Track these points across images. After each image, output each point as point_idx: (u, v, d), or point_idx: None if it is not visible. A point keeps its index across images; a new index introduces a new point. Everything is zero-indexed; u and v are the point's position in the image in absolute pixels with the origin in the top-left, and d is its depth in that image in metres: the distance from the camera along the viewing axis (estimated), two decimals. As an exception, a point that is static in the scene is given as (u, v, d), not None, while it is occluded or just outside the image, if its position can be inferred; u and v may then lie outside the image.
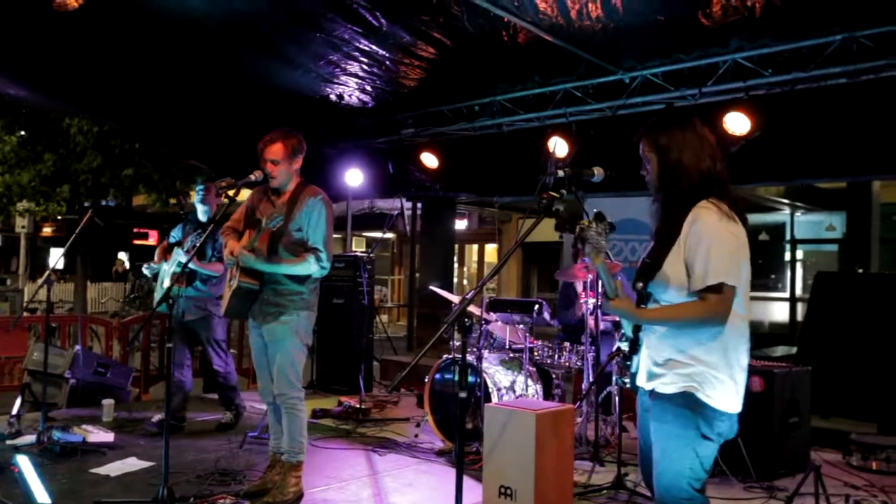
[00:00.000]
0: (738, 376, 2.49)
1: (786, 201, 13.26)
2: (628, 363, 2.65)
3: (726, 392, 2.45)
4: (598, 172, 2.79)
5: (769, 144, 5.91)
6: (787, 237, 14.50)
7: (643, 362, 2.59)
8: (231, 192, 4.03)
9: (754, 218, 14.35)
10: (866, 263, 10.47)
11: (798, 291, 14.06)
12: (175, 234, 5.91)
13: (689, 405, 2.42)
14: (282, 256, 4.06)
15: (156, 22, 5.62)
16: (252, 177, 4.05)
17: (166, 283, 5.65)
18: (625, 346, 2.71)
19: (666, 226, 2.50)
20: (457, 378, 5.38)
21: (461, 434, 2.70)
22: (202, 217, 5.75)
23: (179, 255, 5.50)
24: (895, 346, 6.06)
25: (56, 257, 25.19)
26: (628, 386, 2.75)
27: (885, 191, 11.47)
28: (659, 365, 2.50)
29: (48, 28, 5.60)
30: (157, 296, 5.79)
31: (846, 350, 6.34)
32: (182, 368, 5.77)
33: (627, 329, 2.67)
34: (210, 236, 5.15)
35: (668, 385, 2.46)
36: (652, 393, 2.53)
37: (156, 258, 5.84)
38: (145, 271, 5.90)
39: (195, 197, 5.78)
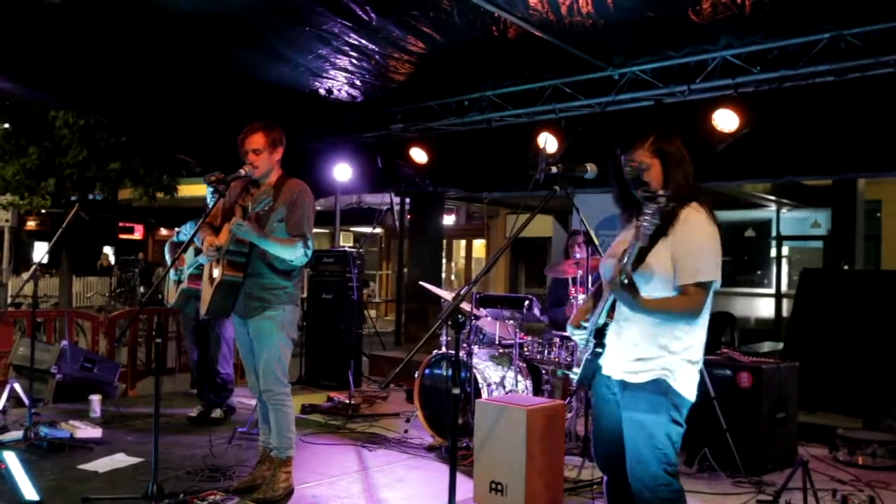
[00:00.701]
0: (698, 367, 2.70)
1: (772, 198, 13.34)
2: (599, 350, 2.76)
3: (691, 381, 2.65)
4: (592, 169, 2.83)
5: (757, 141, 5.94)
6: (773, 234, 14.60)
7: (612, 353, 2.73)
8: (221, 188, 4.02)
9: (740, 214, 14.59)
10: (851, 260, 10.55)
11: (784, 287, 14.17)
12: (186, 232, 5.83)
13: (661, 392, 2.59)
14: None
15: (143, 14, 5.57)
16: (242, 171, 4.03)
17: (185, 284, 5.65)
18: (580, 338, 2.85)
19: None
20: (447, 374, 5.39)
21: (454, 430, 2.70)
22: None
23: (201, 259, 5.47)
24: (879, 342, 6.13)
25: (40, 251, 24.97)
26: (572, 376, 2.84)
27: (869, 188, 11.56)
28: (635, 356, 2.64)
29: (33, 20, 5.54)
30: (175, 295, 5.80)
31: (832, 346, 6.41)
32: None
33: (601, 319, 2.76)
34: (190, 241, 4.98)
35: (640, 374, 2.62)
36: (622, 383, 2.68)
37: (179, 261, 5.70)
38: (173, 276, 5.82)
39: (209, 197, 5.68)
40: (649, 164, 2.67)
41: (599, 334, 2.76)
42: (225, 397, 6.11)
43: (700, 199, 2.67)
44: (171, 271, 5.75)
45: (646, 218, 2.34)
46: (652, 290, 2.60)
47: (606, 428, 2.81)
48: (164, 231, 26.88)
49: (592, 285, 5.37)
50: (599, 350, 2.75)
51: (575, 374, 2.98)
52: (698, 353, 2.67)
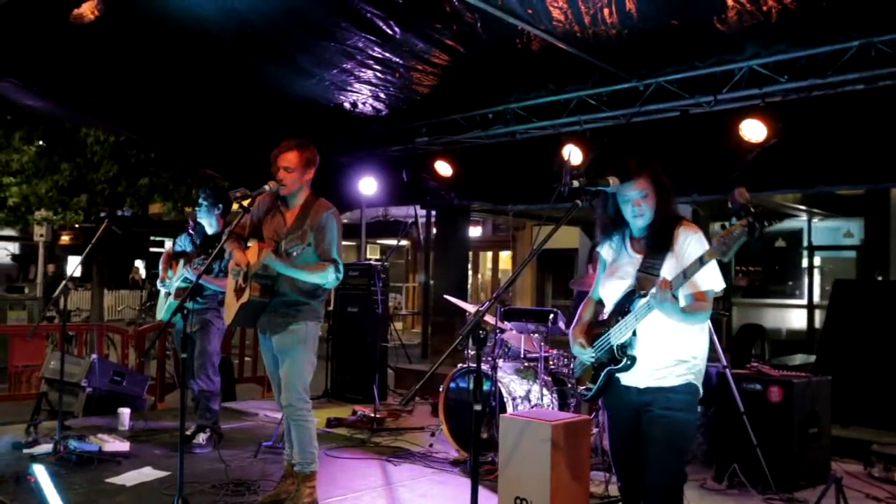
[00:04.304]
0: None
1: (803, 208, 13.12)
2: (630, 363, 2.90)
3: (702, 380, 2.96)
4: (614, 182, 2.82)
5: (787, 151, 5.85)
6: (805, 244, 14.35)
7: (641, 365, 2.89)
8: (245, 203, 4.04)
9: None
10: (885, 270, 10.34)
11: (816, 299, 13.91)
12: (180, 244, 5.79)
13: (692, 393, 2.90)
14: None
15: (171, 34, 5.66)
16: (267, 187, 4.04)
17: (171, 297, 5.61)
18: (588, 358, 3.06)
19: (659, 243, 2.90)
20: (472, 388, 5.36)
21: (476, 447, 2.68)
22: (209, 230, 5.66)
23: (187, 272, 5.46)
24: (916, 355, 5.99)
25: (73, 265, 25.35)
26: (587, 398, 3.10)
27: (903, 196, 11.33)
28: (667, 363, 2.87)
29: (64, 40, 5.65)
30: (163, 308, 5.72)
31: (866, 358, 6.27)
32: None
33: (622, 337, 2.90)
34: (219, 253, 4.89)
35: (674, 378, 2.87)
36: (652, 389, 2.88)
37: (161, 273, 5.71)
38: (160, 287, 5.82)
39: (199, 210, 5.64)
40: (648, 191, 2.91)
41: (622, 350, 2.92)
42: (209, 419, 5.56)
43: (682, 215, 3.00)
44: (160, 283, 5.77)
45: (725, 240, 2.48)
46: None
47: (624, 437, 3.02)
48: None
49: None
50: (630, 364, 2.89)
51: (584, 391, 3.09)
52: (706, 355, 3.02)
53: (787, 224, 14.36)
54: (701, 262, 2.61)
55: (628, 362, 2.89)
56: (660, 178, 2.92)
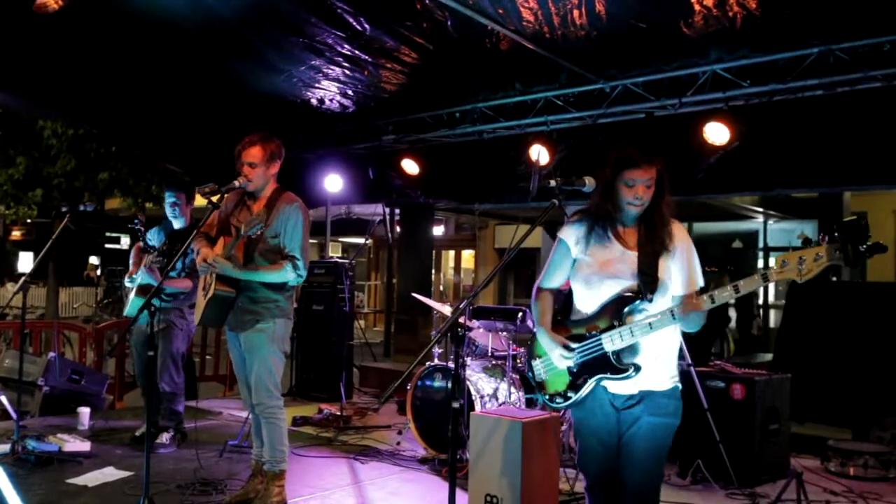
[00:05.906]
0: None
1: (759, 209, 13.44)
2: (633, 374, 2.73)
3: None
4: (590, 182, 2.85)
5: (748, 155, 5.96)
6: (760, 245, 14.70)
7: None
8: (214, 198, 3.97)
9: (728, 226, 14.62)
10: (838, 272, 10.62)
11: (770, 298, 14.25)
12: (151, 237, 5.62)
13: (678, 397, 2.82)
14: (258, 264, 4.01)
15: (135, 25, 5.56)
16: (236, 183, 4.00)
17: (133, 294, 5.48)
18: (570, 362, 2.82)
19: (659, 241, 2.79)
20: (440, 385, 5.38)
21: (454, 444, 2.69)
22: (176, 225, 5.56)
23: (142, 272, 5.30)
24: (867, 353, 6.18)
25: (25, 261, 24.66)
26: (556, 404, 2.90)
27: (855, 200, 11.66)
28: (660, 365, 2.77)
29: (25, 30, 5.52)
30: (130, 306, 5.54)
31: (820, 357, 6.45)
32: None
33: (623, 341, 2.72)
34: (183, 251, 4.67)
35: (665, 381, 2.78)
36: (641, 393, 2.74)
37: (131, 268, 5.53)
38: (127, 283, 5.67)
39: (167, 209, 5.54)
40: (652, 183, 2.81)
41: (620, 358, 2.73)
42: (173, 420, 5.53)
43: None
44: (126, 279, 5.64)
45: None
46: (666, 301, 2.77)
47: (604, 445, 2.83)
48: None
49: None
50: (635, 373, 2.70)
51: (555, 401, 2.93)
52: None
53: (744, 226, 14.68)
54: (765, 279, 2.54)
55: (632, 372, 2.70)
56: (664, 174, 2.85)
